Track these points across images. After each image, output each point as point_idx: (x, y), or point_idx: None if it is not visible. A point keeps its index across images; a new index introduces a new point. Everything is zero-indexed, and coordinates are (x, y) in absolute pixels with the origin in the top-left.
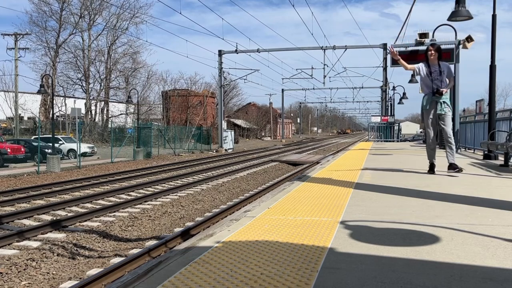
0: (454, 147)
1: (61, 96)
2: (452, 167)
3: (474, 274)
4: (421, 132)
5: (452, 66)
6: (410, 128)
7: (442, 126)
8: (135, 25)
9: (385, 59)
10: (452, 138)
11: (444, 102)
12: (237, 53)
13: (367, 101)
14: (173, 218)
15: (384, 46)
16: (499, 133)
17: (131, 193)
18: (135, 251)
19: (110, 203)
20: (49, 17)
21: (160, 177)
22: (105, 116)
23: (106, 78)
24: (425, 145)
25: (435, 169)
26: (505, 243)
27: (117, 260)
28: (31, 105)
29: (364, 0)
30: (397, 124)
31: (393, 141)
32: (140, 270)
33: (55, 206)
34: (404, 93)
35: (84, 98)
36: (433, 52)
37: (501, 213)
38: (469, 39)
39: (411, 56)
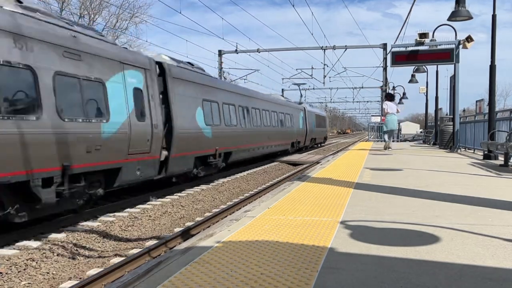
0: (387, 139)
1: None
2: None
3: (474, 274)
4: (421, 132)
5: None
6: (410, 128)
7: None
8: (134, 25)
9: (385, 59)
10: (388, 137)
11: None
12: (237, 53)
13: (367, 101)
14: (173, 218)
15: (384, 46)
16: (499, 133)
17: (131, 193)
18: (135, 251)
19: (110, 203)
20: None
21: None
22: None
23: None
24: (425, 145)
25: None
26: (505, 243)
27: (117, 260)
28: None
29: (366, 0)
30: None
31: (393, 141)
32: (140, 270)
33: None
34: (404, 93)
35: None
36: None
37: (501, 213)
38: (469, 39)
39: (411, 56)
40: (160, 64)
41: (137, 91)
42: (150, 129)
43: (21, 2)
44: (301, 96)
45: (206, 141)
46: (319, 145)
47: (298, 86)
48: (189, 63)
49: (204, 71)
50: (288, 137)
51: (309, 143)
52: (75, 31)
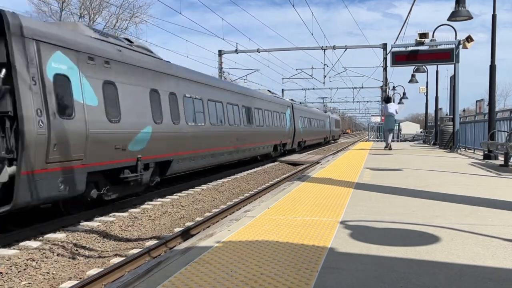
0: (388, 139)
1: None
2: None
3: (474, 274)
4: (421, 132)
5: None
6: (410, 128)
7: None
8: (134, 25)
9: (385, 59)
10: (389, 136)
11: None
12: (237, 53)
13: (367, 101)
14: (173, 218)
15: (384, 46)
16: (499, 133)
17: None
18: (135, 251)
19: (110, 203)
20: (49, 17)
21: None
22: None
23: None
24: (425, 145)
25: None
26: (505, 243)
27: (117, 260)
28: None
29: (367, 0)
30: (397, 124)
31: (393, 141)
32: (140, 270)
33: (55, 206)
34: (404, 93)
35: None
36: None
37: (501, 213)
38: (469, 39)
39: (411, 56)
40: (291, 103)
41: (288, 115)
42: (291, 130)
43: (270, 91)
44: (324, 105)
45: (300, 135)
46: (336, 141)
47: (323, 99)
48: (291, 99)
49: (294, 100)
50: (323, 134)
51: (331, 138)
52: (279, 97)
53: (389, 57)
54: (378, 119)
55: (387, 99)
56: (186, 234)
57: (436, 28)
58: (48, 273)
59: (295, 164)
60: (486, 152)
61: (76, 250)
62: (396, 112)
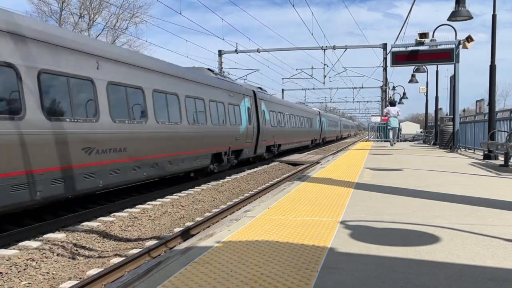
0: (393, 137)
1: None
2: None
3: (474, 274)
4: (421, 132)
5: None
6: (410, 128)
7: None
8: (134, 25)
9: (385, 59)
10: (392, 134)
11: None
12: (237, 53)
13: (367, 101)
14: (173, 218)
15: (384, 46)
16: (499, 133)
17: (131, 193)
18: (135, 251)
19: (110, 203)
20: (49, 17)
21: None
22: None
23: None
24: (425, 145)
25: (393, 145)
26: (505, 243)
27: (117, 260)
28: None
29: (367, 0)
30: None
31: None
32: (140, 270)
33: (55, 206)
34: (404, 93)
35: None
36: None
37: (501, 213)
38: (469, 39)
39: (411, 56)
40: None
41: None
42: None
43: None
44: (351, 116)
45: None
46: (353, 136)
47: (351, 117)
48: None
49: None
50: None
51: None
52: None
53: (389, 57)
54: (378, 119)
55: (390, 103)
56: (186, 234)
57: (436, 28)
58: (48, 273)
59: (295, 164)
60: (486, 152)
61: (76, 250)
62: (398, 114)
